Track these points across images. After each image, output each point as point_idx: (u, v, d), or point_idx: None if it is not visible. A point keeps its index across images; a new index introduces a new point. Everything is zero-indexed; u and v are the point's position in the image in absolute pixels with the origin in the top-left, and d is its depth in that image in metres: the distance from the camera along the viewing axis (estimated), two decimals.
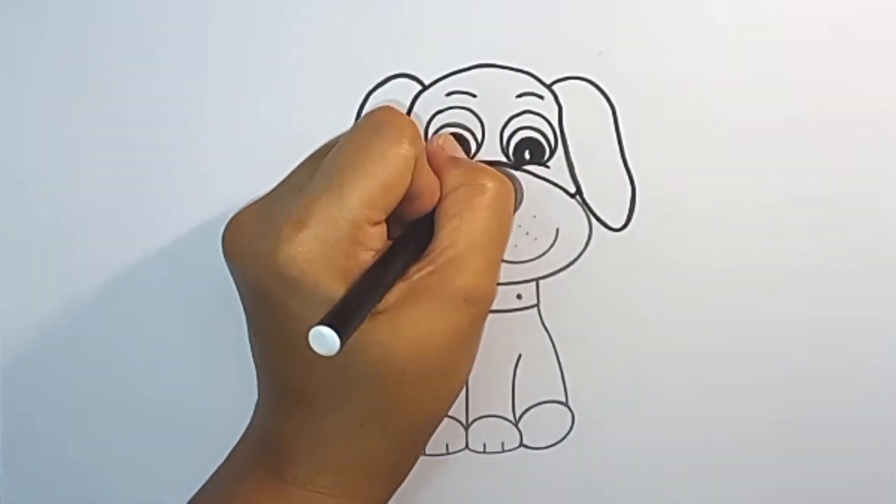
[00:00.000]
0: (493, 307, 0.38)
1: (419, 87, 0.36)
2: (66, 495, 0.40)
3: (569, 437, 0.39)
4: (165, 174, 0.37)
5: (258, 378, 0.35)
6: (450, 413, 0.38)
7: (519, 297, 0.38)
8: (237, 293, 0.34)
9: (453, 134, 0.37)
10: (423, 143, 0.33)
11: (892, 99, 0.37)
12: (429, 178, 0.33)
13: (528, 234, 0.37)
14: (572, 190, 0.37)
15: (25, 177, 0.38)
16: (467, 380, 0.35)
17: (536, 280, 0.38)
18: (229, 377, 0.38)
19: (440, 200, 0.33)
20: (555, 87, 0.36)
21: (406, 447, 0.34)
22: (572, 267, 0.38)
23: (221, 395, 0.38)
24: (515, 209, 0.36)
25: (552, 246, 0.37)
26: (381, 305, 0.30)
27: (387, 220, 0.32)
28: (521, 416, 0.39)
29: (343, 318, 0.28)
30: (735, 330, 0.38)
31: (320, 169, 0.32)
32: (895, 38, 0.36)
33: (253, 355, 0.35)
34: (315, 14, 0.36)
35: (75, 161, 0.37)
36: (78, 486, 0.40)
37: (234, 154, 0.37)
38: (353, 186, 0.30)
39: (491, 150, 0.37)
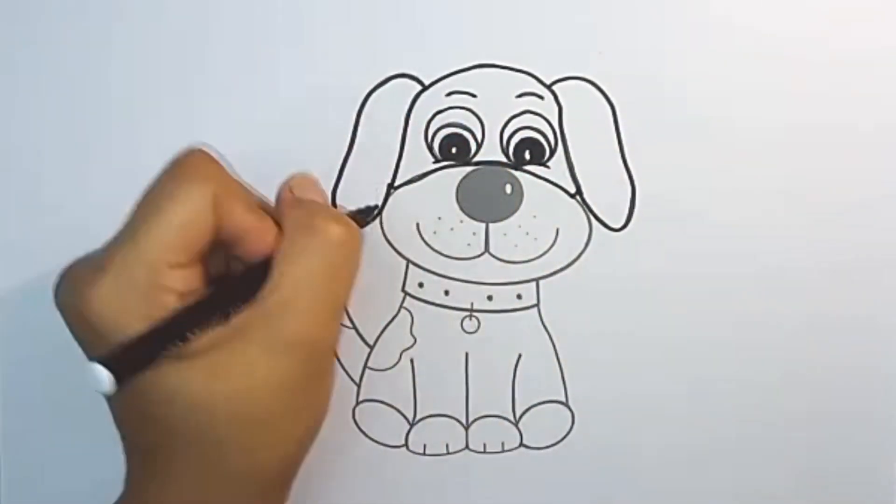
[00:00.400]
0: (494, 307, 0.38)
1: (419, 87, 0.36)
2: (67, 495, 0.40)
3: (569, 437, 0.39)
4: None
5: None
6: (450, 413, 0.38)
7: (519, 297, 0.38)
8: None
9: (453, 134, 0.37)
10: (232, 180, 0.32)
11: (892, 98, 0.37)
12: (249, 218, 0.32)
13: (528, 234, 0.37)
14: (572, 190, 0.37)
15: (26, 177, 0.38)
16: (321, 420, 0.33)
17: (536, 280, 0.38)
18: None
19: (279, 242, 0.32)
20: (555, 87, 0.36)
21: (264, 493, 0.32)
22: (572, 267, 0.38)
23: None
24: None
25: (552, 246, 0.37)
26: (194, 349, 0.29)
27: (205, 264, 0.32)
28: (521, 416, 0.39)
29: (121, 356, 0.27)
30: (735, 330, 0.38)
31: (128, 217, 0.31)
32: (894, 38, 0.36)
33: None
34: (315, 14, 0.36)
35: (78, 161, 0.37)
36: (78, 486, 0.40)
37: (233, 154, 0.37)
38: (147, 228, 0.30)
39: (491, 150, 0.37)
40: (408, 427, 0.39)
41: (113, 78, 0.37)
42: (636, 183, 0.37)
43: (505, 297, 0.38)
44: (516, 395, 0.39)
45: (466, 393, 0.39)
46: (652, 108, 0.36)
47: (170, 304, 0.30)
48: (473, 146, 0.37)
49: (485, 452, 0.39)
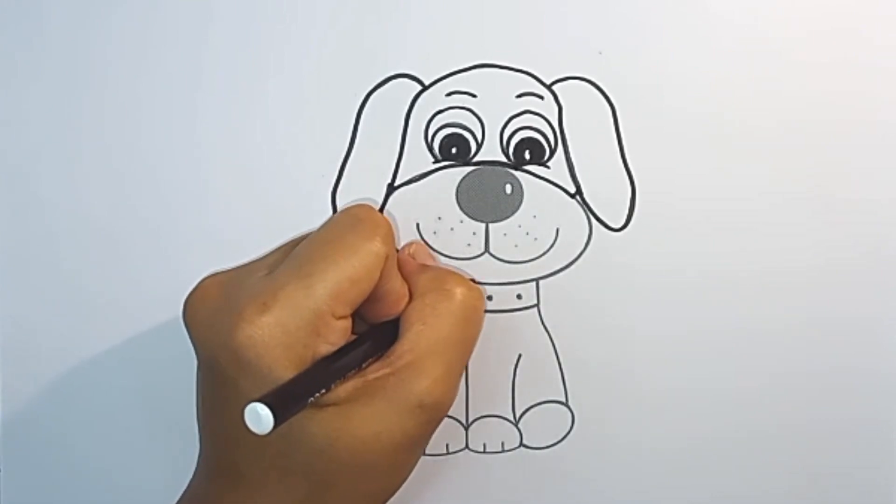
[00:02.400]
0: (494, 307, 0.38)
1: (419, 87, 0.36)
2: (67, 495, 0.40)
3: (569, 437, 0.39)
4: (165, 174, 0.37)
5: (200, 443, 0.34)
6: (450, 413, 0.38)
7: (519, 297, 0.38)
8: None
9: (453, 134, 0.37)
10: (395, 244, 0.34)
11: (892, 100, 0.37)
12: (396, 282, 0.33)
13: (528, 234, 0.37)
14: (572, 190, 0.37)
15: (26, 178, 0.38)
16: (408, 477, 0.35)
17: (536, 280, 0.38)
18: None
19: (407, 305, 0.33)
20: (555, 87, 0.36)
21: None
22: (572, 267, 0.38)
23: None
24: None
25: (552, 246, 0.37)
26: (332, 398, 0.30)
27: (352, 318, 0.32)
28: (521, 416, 0.39)
29: (282, 399, 0.28)
30: (735, 330, 0.38)
31: (291, 256, 0.32)
32: (894, 39, 0.36)
33: (197, 420, 0.34)
34: (315, 14, 0.36)
35: (76, 163, 0.37)
36: (78, 486, 0.40)
37: (233, 154, 0.37)
38: (322, 277, 0.30)
39: (491, 151, 0.37)
40: None
41: (113, 78, 0.37)
42: (636, 183, 0.37)
43: (505, 297, 0.38)
44: (516, 395, 0.39)
45: (466, 393, 0.39)
46: (652, 107, 0.36)
47: (326, 352, 0.31)
48: (473, 146, 0.37)
49: (485, 452, 0.39)
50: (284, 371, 0.30)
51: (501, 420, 0.39)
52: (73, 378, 0.39)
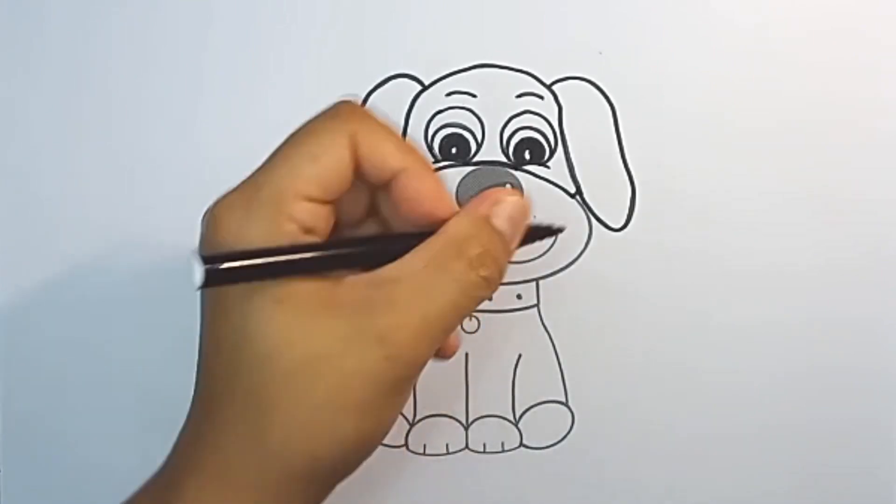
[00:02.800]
0: (494, 307, 0.38)
1: (419, 87, 0.36)
2: (67, 494, 0.40)
3: (569, 436, 0.39)
4: (165, 174, 0.37)
5: None
6: (450, 413, 0.38)
7: (519, 297, 0.38)
8: None
9: (453, 134, 0.37)
10: (380, 124, 0.31)
11: (892, 99, 0.37)
12: (405, 158, 0.30)
13: None
14: (572, 190, 0.37)
15: (26, 177, 0.38)
16: (375, 442, 0.31)
17: (536, 280, 0.38)
18: None
19: (430, 236, 0.30)
20: (555, 87, 0.36)
21: (291, 481, 0.29)
22: (572, 267, 0.38)
23: None
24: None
25: (552, 246, 0.37)
26: (292, 292, 0.28)
27: (339, 211, 0.31)
28: (521, 416, 0.39)
29: (223, 259, 0.27)
30: (735, 329, 0.38)
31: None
32: (894, 39, 0.36)
33: None
34: (315, 14, 0.36)
35: (76, 160, 0.37)
36: (79, 485, 0.40)
37: (233, 154, 0.37)
38: (282, 156, 0.30)
39: (491, 151, 0.37)
40: (408, 427, 0.39)
41: (113, 78, 0.37)
42: (636, 183, 0.37)
43: (505, 297, 0.38)
44: (516, 395, 0.39)
45: (466, 393, 0.39)
46: (652, 107, 0.36)
47: (291, 233, 0.29)
48: (473, 146, 0.37)
49: (485, 452, 0.39)
50: (245, 245, 0.29)
51: (501, 420, 0.39)
52: (74, 377, 0.39)
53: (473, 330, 0.38)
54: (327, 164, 0.30)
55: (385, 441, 0.39)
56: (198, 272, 0.26)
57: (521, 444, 0.39)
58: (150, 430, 0.40)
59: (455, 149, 0.37)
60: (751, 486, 0.39)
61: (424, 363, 0.30)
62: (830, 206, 0.37)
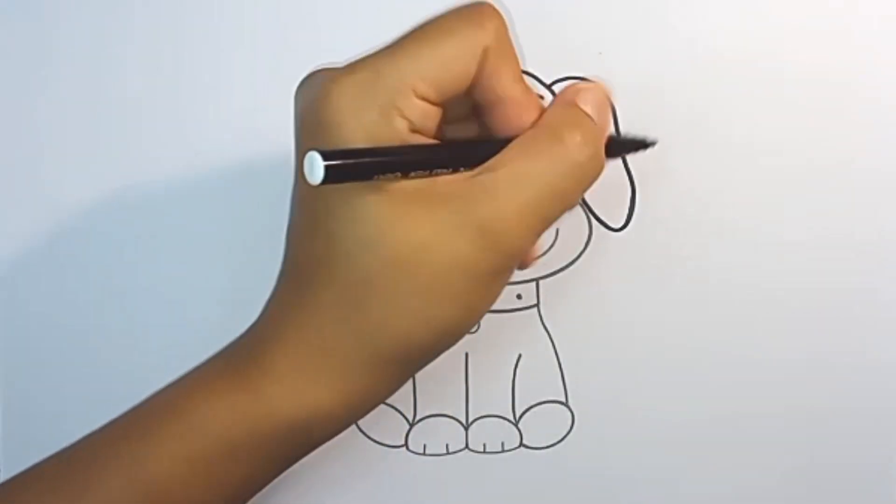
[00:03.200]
0: (493, 307, 0.38)
1: None
2: None
3: (569, 436, 0.39)
4: (165, 174, 0.37)
5: None
6: (450, 413, 0.38)
7: (519, 297, 0.38)
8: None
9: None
10: (510, 45, 0.30)
11: (892, 102, 0.37)
12: (516, 88, 0.30)
13: None
14: None
15: (26, 176, 0.38)
16: (465, 329, 0.31)
17: (536, 280, 0.38)
18: None
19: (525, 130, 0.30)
20: (555, 87, 0.36)
21: (377, 360, 0.30)
22: (572, 267, 0.38)
23: None
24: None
25: (552, 246, 0.37)
26: (395, 187, 0.28)
27: (445, 114, 0.30)
28: (521, 416, 0.39)
29: (341, 156, 0.26)
30: (734, 329, 0.38)
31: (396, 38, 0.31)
32: (894, 40, 0.36)
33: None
34: (315, 15, 0.36)
35: (75, 161, 0.37)
36: None
37: (233, 154, 0.37)
38: (409, 51, 0.29)
39: None
40: (408, 427, 0.39)
41: (112, 77, 0.37)
42: (636, 183, 0.37)
43: (505, 298, 0.38)
44: (516, 395, 0.39)
45: (466, 393, 0.39)
46: (652, 108, 0.36)
47: (400, 128, 0.29)
48: None
49: (485, 452, 0.39)
50: (350, 132, 0.28)
51: (501, 420, 0.39)
52: (75, 377, 0.39)
53: (473, 330, 0.38)
54: (453, 71, 0.29)
55: (385, 441, 0.39)
56: (318, 167, 0.26)
57: (521, 444, 0.39)
58: None
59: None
60: (751, 485, 0.39)
61: (524, 254, 0.30)
62: (831, 205, 0.37)
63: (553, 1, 0.36)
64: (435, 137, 0.30)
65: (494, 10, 0.30)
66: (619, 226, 0.37)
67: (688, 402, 0.39)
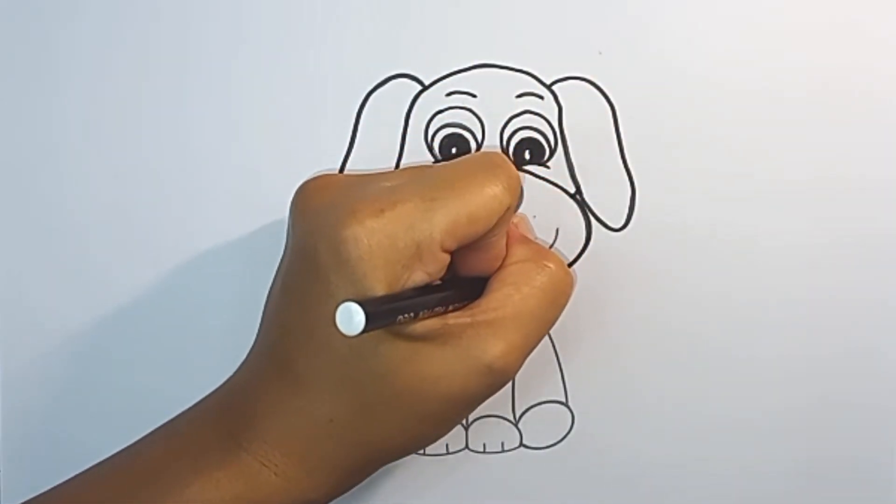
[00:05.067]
0: None
1: (419, 87, 0.36)
2: None
3: (569, 437, 0.39)
4: (164, 174, 0.37)
5: (258, 334, 0.34)
6: None
7: None
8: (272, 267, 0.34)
9: (453, 134, 0.37)
10: (518, 201, 0.34)
11: (894, 100, 0.37)
12: (502, 240, 0.33)
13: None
14: (572, 190, 0.37)
15: (27, 175, 0.38)
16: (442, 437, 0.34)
17: None
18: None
19: (500, 268, 0.33)
20: (555, 87, 0.36)
21: (362, 464, 0.34)
22: (572, 267, 0.38)
23: None
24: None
25: (552, 246, 0.37)
26: (411, 329, 0.30)
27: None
28: (520, 416, 0.39)
29: (376, 307, 0.27)
30: (734, 328, 0.38)
31: (418, 177, 0.32)
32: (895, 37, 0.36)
33: (265, 308, 0.34)
34: (315, 14, 0.36)
35: (78, 161, 0.37)
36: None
37: (233, 154, 0.37)
38: (444, 204, 0.30)
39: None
40: None
41: (111, 77, 0.37)
42: (636, 183, 0.37)
43: None
44: (516, 395, 0.39)
45: None
46: (652, 108, 0.36)
47: (418, 280, 0.30)
48: (473, 146, 0.37)
49: (484, 452, 0.39)
50: (376, 282, 0.29)
51: (501, 420, 0.39)
52: (74, 376, 0.39)
53: None
54: (478, 231, 0.31)
55: None
56: (357, 321, 0.27)
57: (521, 444, 0.39)
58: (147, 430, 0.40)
59: (455, 149, 0.37)
60: (752, 485, 0.39)
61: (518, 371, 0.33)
62: (831, 205, 0.37)
63: (553, 1, 0.36)
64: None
65: (516, 171, 0.33)
66: (619, 226, 0.37)
67: (688, 401, 0.39)
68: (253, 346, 0.34)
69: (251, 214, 0.37)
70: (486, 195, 0.31)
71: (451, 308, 0.31)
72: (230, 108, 0.37)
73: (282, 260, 0.34)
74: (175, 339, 0.39)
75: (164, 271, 0.38)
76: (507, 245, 0.34)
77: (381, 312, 0.28)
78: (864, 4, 0.36)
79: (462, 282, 0.33)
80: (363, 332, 0.27)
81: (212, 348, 0.38)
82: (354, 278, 0.29)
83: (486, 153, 0.34)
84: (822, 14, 0.36)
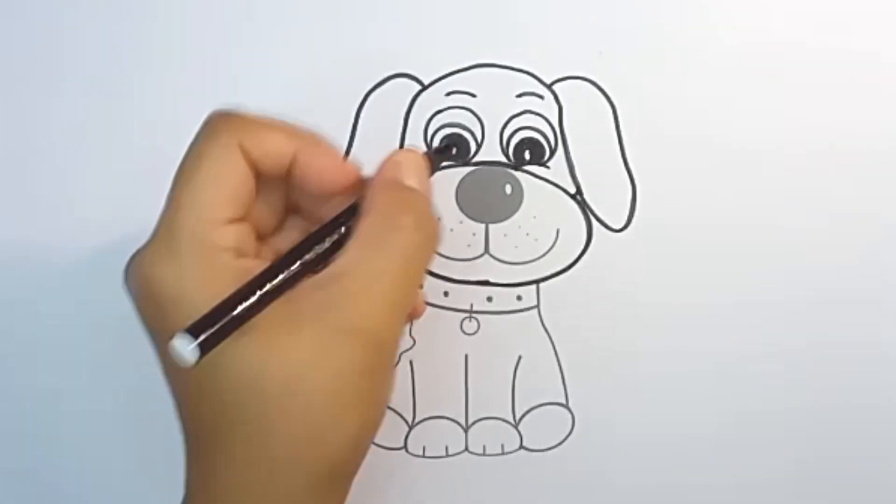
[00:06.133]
0: (494, 309, 0.38)
1: (419, 87, 0.36)
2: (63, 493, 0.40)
3: (569, 439, 0.39)
4: (164, 174, 0.37)
5: None
6: (449, 415, 0.38)
7: (519, 298, 0.38)
8: None
9: (453, 134, 0.37)
10: (261, 121, 0.31)
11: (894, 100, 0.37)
12: (296, 143, 0.31)
13: (528, 234, 0.37)
14: (572, 190, 0.37)
15: (23, 179, 0.38)
16: (376, 424, 0.31)
17: (537, 281, 0.38)
18: None
19: (359, 217, 0.30)
20: (555, 87, 0.36)
21: (310, 490, 0.30)
22: (573, 268, 0.37)
23: None
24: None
25: (552, 247, 0.37)
26: (256, 322, 0.28)
27: (255, 219, 0.31)
28: (521, 418, 0.39)
29: (203, 325, 0.26)
30: (735, 330, 0.38)
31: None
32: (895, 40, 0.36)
33: None
34: (315, 14, 0.36)
35: (72, 161, 0.37)
36: (76, 489, 0.40)
37: None
38: (183, 192, 0.29)
39: (491, 151, 0.37)
40: (407, 429, 0.39)
41: (111, 78, 0.37)
42: (636, 183, 0.37)
43: (505, 299, 0.38)
44: (516, 397, 0.39)
45: (466, 395, 0.39)
46: (652, 107, 0.36)
47: (228, 262, 0.29)
48: (473, 146, 0.37)
49: (484, 455, 0.39)
50: (195, 293, 0.28)
51: (501, 422, 0.39)
52: (74, 376, 0.39)
53: (473, 331, 0.38)
54: (230, 180, 0.30)
55: (385, 443, 0.39)
56: (189, 349, 0.25)
57: (521, 447, 0.39)
58: (146, 431, 0.40)
59: (455, 149, 0.37)
60: (752, 487, 0.39)
61: (399, 337, 0.31)
62: (832, 205, 0.37)
63: (553, 1, 0.36)
64: (259, 254, 0.31)
65: (221, 113, 0.31)
66: (619, 226, 0.37)
67: (689, 403, 0.38)
68: None
69: None
70: (209, 151, 0.30)
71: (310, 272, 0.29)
72: (229, 108, 0.37)
73: None
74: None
75: None
76: (374, 188, 0.31)
77: (209, 326, 0.26)
78: (867, 5, 0.36)
79: (317, 236, 0.31)
80: (203, 353, 0.25)
81: None
82: (173, 305, 0.28)
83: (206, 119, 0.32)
84: (823, 12, 0.36)
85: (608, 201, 0.37)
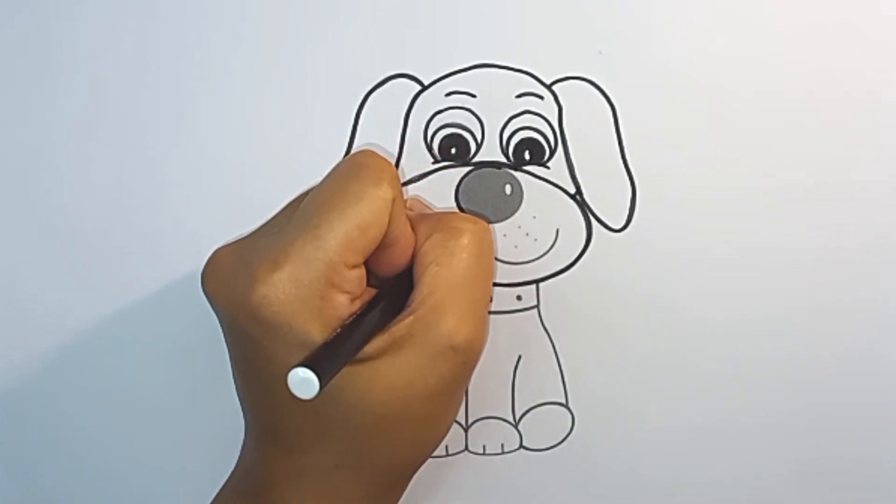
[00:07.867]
0: (494, 308, 0.38)
1: (419, 87, 0.36)
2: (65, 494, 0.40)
3: (569, 438, 0.39)
4: (163, 174, 0.37)
5: (242, 411, 0.34)
6: None
7: (519, 298, 0.38)
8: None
9: (453, 134, 0.37)
10: (401, 187, 0.33)
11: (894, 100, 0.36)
12: (405, 228, 0.33)
13: (528, 234, 0.37)
14: (572, 190, 0.37)
15: (24, 186, 0.38)
16: (450, 427, 0.34)
17: (537, 281, 0.38)
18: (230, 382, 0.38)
19: (416, 252, 0.33)
20: (555, 87, 0.36)
21: (384, 489, 0.34)
22: (573, 268, 0.37)
23: (226, 397, 0.38)
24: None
25: (552, 247, 0.37)
26: (361, 355, 0.30)
27: (366, 267, 0.32)
28: (520, 418, 0.39)
29: (323, 362, 0.27)
30: (736, 330, 0.38)
31: (298, 211, 0.32)
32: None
33: (236, 390, 0.34)
34: (315, 14, 0.36)
35: (72, 162, 0.37)
36: (75, 490, 0.40)
37: (233, 154, 0.37)
38: (330, 227, 0.30)
39: (490, 151, 0.37)
40: None
41: (111, 78, 0.37)
42: (636, 183, 0.37)
43: (505, 299, 0.38)
44: (516, 397, 0.39)
45: (466, 394, 0.39)
46: (652, 107, 0.36)
47: (342, 304, 0.31)
48: (473, 146, 0.37)
49: (484, 454, 0.39)
50: (305, 325, 0.30)
51: (501, 422, 0.39)
52: (73, 376, 0.39)
53: None
54: (374, 233, 0.31)
55: None
56: (311, 383, 0.27)
57: (521, 446, 0.39)
58: (145, 432, 0.40)
59: (455, 149, 0.37)
60: (752, 486, 0.39)
61: (486, 335, 0.34)
62: (833, 205, 0.37)
63: (553, 1, 0.36)
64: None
65: (385, 160, 0.33)
66: (619, 226, 0.37)
67: (688, 403, 0.38)
68: (245, 423, 0.34)
69: (250, 214, 0.37)
70: (368, 200, 0.31)
71: (390, 314, 0.32)
72: (229, 109, 0.37)
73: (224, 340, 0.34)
74: (175, 339, 0.39)
75: (162, 271, 0.38)
76: (413, 229, 0.33)
77: (328, 364, 0.28)
78: (864, 7, 0.36)
79: (393, 285, 0.33)
80: (320, 389, 0.27)
81: (212, 347, 0.38)
82: (283, 333, 0.30)
83: (351, 156, 0.33)
84: (823, 15, 0.36)
85: (608, 201, 0.37)
